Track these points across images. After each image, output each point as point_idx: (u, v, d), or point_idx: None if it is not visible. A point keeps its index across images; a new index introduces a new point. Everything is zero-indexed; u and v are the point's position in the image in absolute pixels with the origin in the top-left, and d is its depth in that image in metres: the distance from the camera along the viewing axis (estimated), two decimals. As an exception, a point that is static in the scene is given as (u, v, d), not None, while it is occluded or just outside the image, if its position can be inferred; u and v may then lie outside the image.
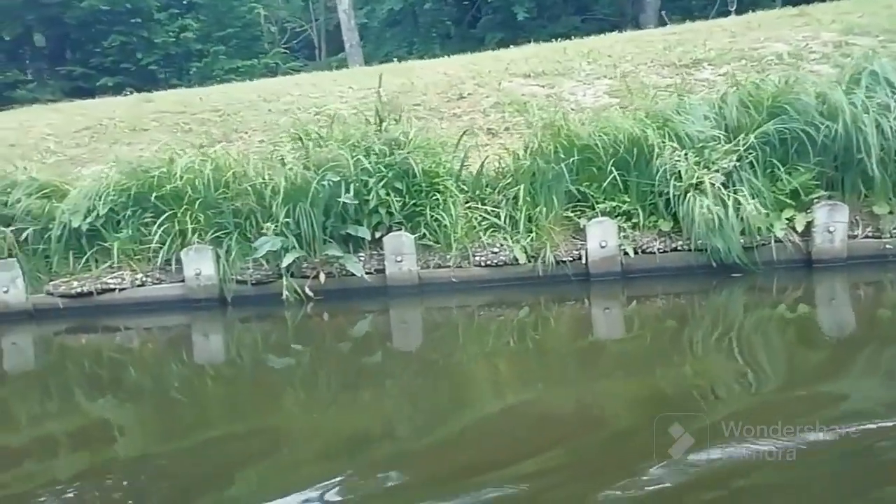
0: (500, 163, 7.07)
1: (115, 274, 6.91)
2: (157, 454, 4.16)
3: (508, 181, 6.87)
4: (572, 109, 9.10)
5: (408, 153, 6.50)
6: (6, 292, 6.88)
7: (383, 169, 6.40)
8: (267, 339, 6.53)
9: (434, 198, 6.57)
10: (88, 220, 6.81)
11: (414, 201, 6.59)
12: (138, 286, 6.88)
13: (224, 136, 9.70)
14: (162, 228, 6.78)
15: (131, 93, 18.80)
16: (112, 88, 20.34)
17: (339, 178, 6.31)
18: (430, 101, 10.14)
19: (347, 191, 6.31)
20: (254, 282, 6.77)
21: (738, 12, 13.98)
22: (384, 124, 6.91)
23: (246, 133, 9.82)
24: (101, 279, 6.89)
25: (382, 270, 6.69)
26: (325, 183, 6.32)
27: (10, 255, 6.92)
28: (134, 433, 4.55)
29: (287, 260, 6.40)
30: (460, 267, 6.60)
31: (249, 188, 6.52)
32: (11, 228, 6.74)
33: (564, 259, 6.45)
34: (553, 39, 19.29)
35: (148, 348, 6.59)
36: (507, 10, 22.31)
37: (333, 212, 6.50)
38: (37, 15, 21.98)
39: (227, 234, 6.77)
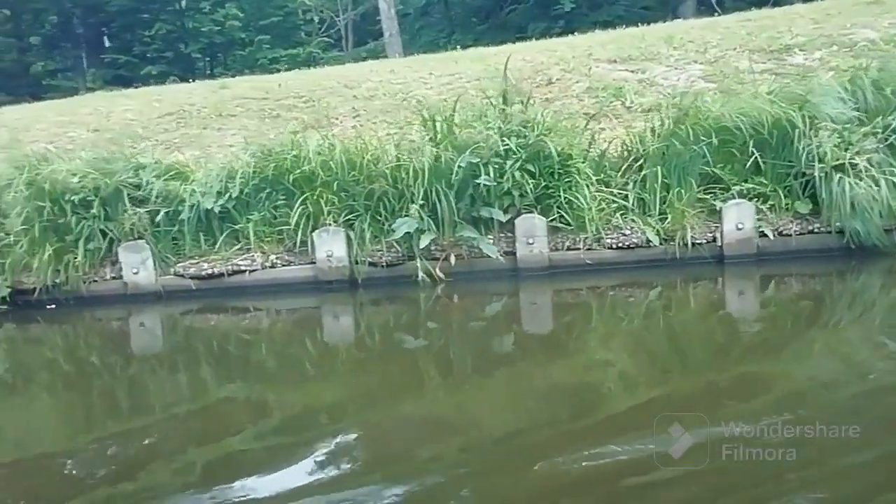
0: (624, 145, 7.10)
1: (245, 255, 6.98)
2: (283, 433, 4.15)
3: (633, 163, 6.90)
4: (668, 94, 9.15)
5: (541, 135, 6.54)
6: (136, 273, 6.96)
7: (519, 150, 6.44)
8: (399, 320, 6.60)
9: (567, 180, 6.60)
10: (220, 201, 6.87)
11: (546, 183, 6.63)
12: (268, 268, 6.94)
13: (316, 122, 9.74)
14: (295, 210, 6.83)
15: (176, 81, 18.89)
16: (156, 77, 20.45)
17: (477, 160, 6.35)
18: (520, 86, 10.14)
19: (486, 173, 6.35)
20: (384, 264, 6.83)
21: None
22: (515, 107, 6.94)
23: (337, 119, 9.86)
24: (231, 261, 6.96)
25: (512, 252, 6.74)
26: (462, 164, 6.36)
27: (139, 237, 6.99)
28: (264, 413, 4.49)
29: (424, 242, 6.46)
30: (591, 249, 6.65)
31: (387, 170, 6.56)
32: (147, 210, 6.79)
33: (699, 241, 6.50)
34: (596, 28, 19.32)
35: (277, 329, 6.67)
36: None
37: (467, 194, 6.54)
38: (76, 3, 22.04)
39: (357, 217, 6.82)
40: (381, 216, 6.79)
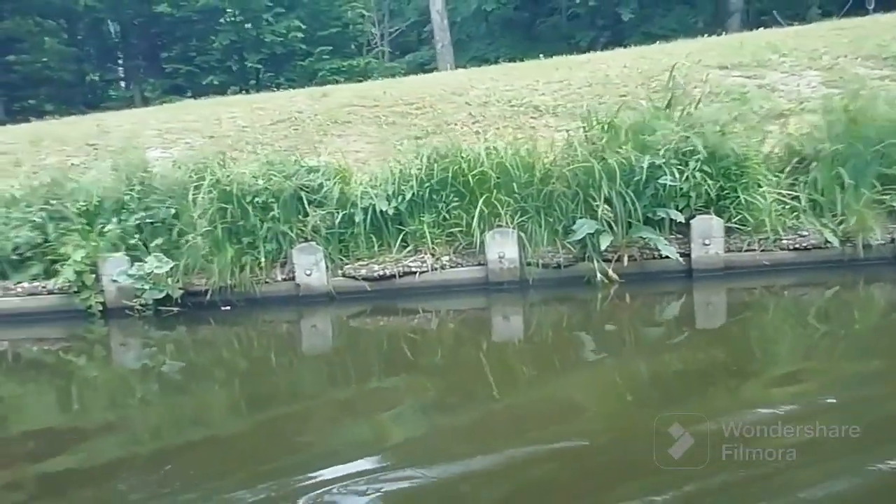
0: (788, 146, 7.17)
1: (415, 257, 7.05)
2: (452, 433, 4.21)
3: (798, 164, 6.96)
4: (793, 100, 9.25)
5: (724, 134, 6.62)
6: (309, 275, 7.04)
7: (703, 150, 6.51)
8: (574, 320, 6.66)
9: (744, 181, 6.67)
10: (394, 204, 6.96)
11: (720, 184, 6.69)
12: (438, 269, 7.01)
13: (436, 128, 9.86)
14: (467, 213, 6.91)
15: (239, 92, 19.08)
16: (216, 88, 20.66)
17: (662, 161, 6.42)
18: (636, 92, 10.24)
19: (671, 173, 6.41)
20: (555, 265, 6.89)
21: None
22: (683, 110, 7.02)
23: (455, 125, 9.97)
24: (401, 262, 7.03)
25: (686, 253, 6.80)
26: (644, 164, 6.43)
27: (308, 239, 7.07)
28: (438, 416, 4.52)
29: (604, 243, 6.52)
30: (766, 250, 6.70)
31: (567, 172, 6.64)
32: (324, 212, 6.88)
33: (878, 242, 6.54)
34: (649, 40, 19.48)
35: (449, 329, 6.73)
36: (611, 10, 22.43)
37: (647, 195, 6.61)
38: (134, 13, 22.29)
39: (529, 218, 6.89)
40: (552, 218, 6.86)
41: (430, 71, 24.21)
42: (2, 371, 6.50)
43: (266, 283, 7.10)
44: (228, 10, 20.48)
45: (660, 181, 6.46)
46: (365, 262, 7.10)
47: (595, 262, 6.66)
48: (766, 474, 3.23)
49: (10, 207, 7.49)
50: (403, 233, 7.10)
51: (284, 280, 7.14)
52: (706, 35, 16.43)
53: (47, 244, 7.34)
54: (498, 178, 6.91)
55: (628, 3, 21.93)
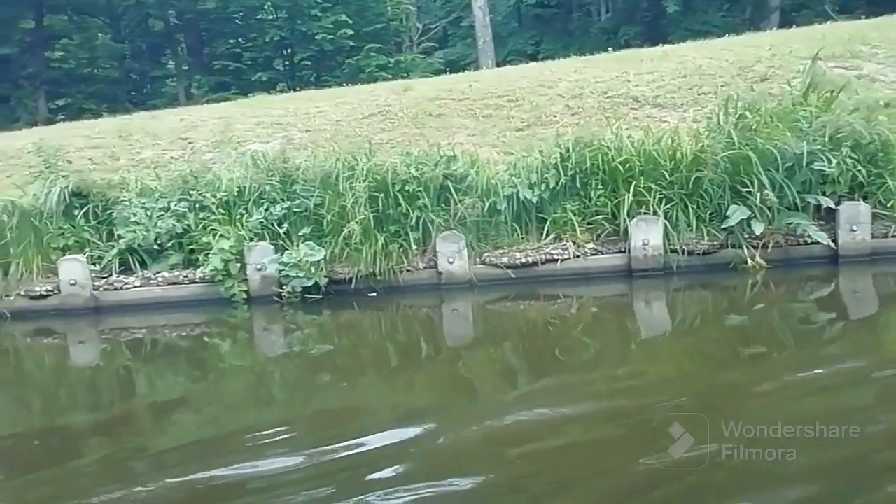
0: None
1: (556, 245, 7.12)
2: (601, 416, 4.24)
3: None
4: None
5: (867, 121, 6.67)
6: (451, 263, 7.10)
7: (866, 135, 6.56)
8: (722, 306, 6.72)
9: (890, 167, 6.72)
10: (537, 192, 7.02)
11: (867, 170, 6.74)
12: (578, 257, 7.08)
13: (536, 120, 9.93)
14: (611, 200, 6.98)
15: (288, 90, 19.15)
16: (264, 84, 20.75)
17: (818, 147, 6.48)
18: (735, 82, 10.27)
19: (826, 160, 6.47)
20: (699, 252, 6.95)
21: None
22: (823, 97, 7.08)
23: (554, 116, 10.02)
24: (543, 250, 7.10)
25: (833, 239, 6.85)
26: (798, 151, 6.49)
27: (449, 228, 7.14)
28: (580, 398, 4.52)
29: (758, 229, 6.58)
30: (912, 236, 6.76)
31: (720, 159, 6.69)
32: (472, 200, 6.94)
33: None
34: (693, 36, 19.52)
35: (595, 315, 6.81)
36: (658, 4, 22.47)
37: (797, 181, 6.66)
38: (179, 10, 22.37)
39: (674, 205, 6.95)
40: (698, 205, 6.92)
41: (464, 68, 24.33)
42: (164, 360, 6.56)
43: (408, 270, 7.17)
44: (276, 6, 20.55)
45: (813, 167, 6.51)
46: (506, 250, 7.17)
47: (744, 248, 6.72)
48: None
49: (146, 197, 7.56)
50: (544, 220, 7.16)
51: (426, 268, 7.21)
52: (750, 31, 16.55)
53: (186, 234, 7.43)
54: (642, 165, 6.97)
55: (674, -3, 21.95)
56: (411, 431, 4.07)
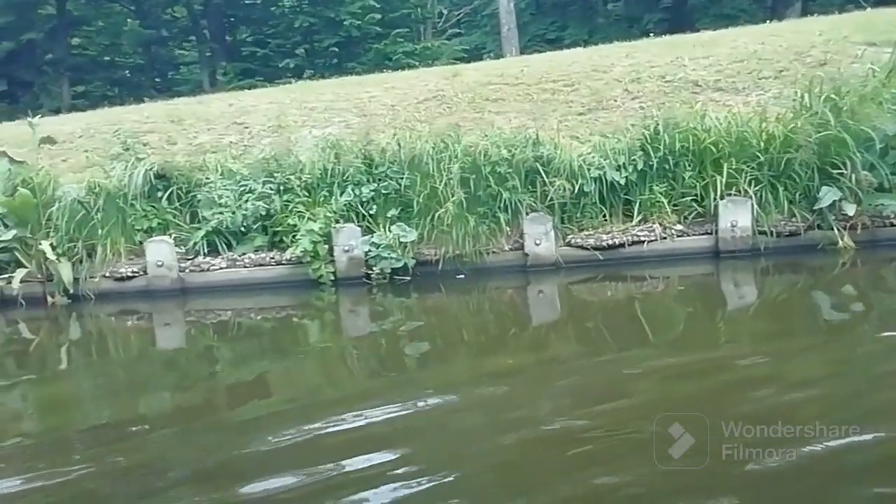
0: None
1: (643, 226, 7.15)
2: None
3: None
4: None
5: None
6: (538, 244, 7.13)
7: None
8: (814, 287, 6.77)
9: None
10: (624, 174, 7.05)
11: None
12: (665, 238, 7.11)
13: (597, 104, 9.91)
14: (699, 181, 7.01)
15: (314, 76, 19.05)
16: (292, 71, 20.65)
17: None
18: (793, 66, 10.28)
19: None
20: (786, 233, 6.99)
21: None
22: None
23: (614, 100, 10.02)
24: (630, 231, 7.13)
25: (918, 220, 6.90)
26: (891, 132, 6.52)
27: (535, 209, 7.17)
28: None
29: (850, 210, 6.62)
30: None
31: (811, 141, 6.72)
32: (561, 182, 6.96)
33: None
34: (720, 21, 19.49)
35: (681, 296, 6.85)
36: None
37: (887, 162, 6.70)
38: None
39: (761, 186, 6.98)
40: (786, 186, 6.95)
41: (483, 55, 24.27)
42: (253, 341, 6.58)
43: (493, 252, 7.20)
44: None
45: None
46: (591, 232, 7.20)
47: (835, 229, 6.76)
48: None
49: (228, 179, 7.57)
50: (629, 202, 7.19)
51: (511, 250, 7.24)
52: (773, 21, 16.47)
53: (269, 216, 7.44)
54: (731, 147, 6.99)
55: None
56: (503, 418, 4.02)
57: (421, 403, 4.23)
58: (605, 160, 7.07)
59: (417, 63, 21.26)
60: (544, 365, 4.99)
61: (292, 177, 7.42)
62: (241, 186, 7.36)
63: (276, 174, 7.51)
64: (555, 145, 7.37)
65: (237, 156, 8.91)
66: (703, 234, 7.14)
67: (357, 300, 7.14)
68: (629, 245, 7.12)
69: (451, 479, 3.29)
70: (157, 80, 24.06)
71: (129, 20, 21.51)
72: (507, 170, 6.95)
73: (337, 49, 21.32)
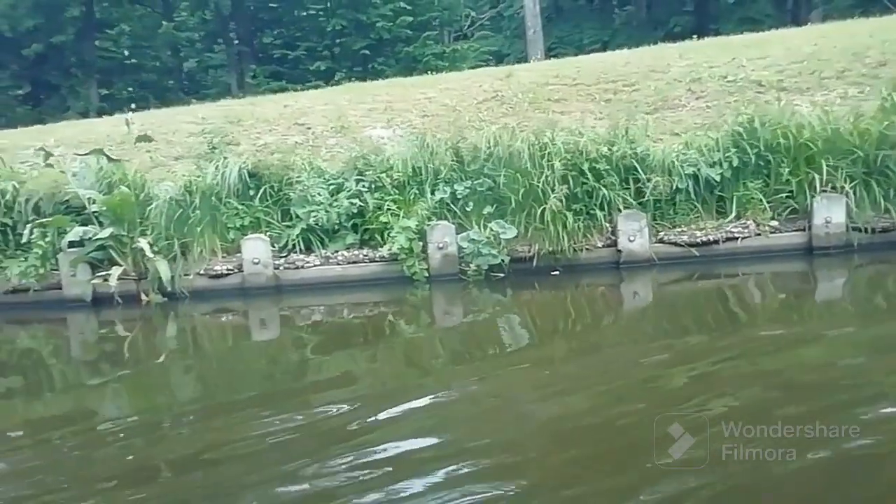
0: None
1: (737, 223, 7.20)
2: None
3: None
4: None
5: None
6: (632, 241, 7.17)
7: None
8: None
9: None
10: (718, 170, 7.09)
11: None
12: (759, 235, 7.16)
13: (662, 104, 9.96)
14: (794, 178, 7.06)
15: (346, 79, 19.06)
16: (322, 74, 20.70)
17: None
18: (855, 67, 10.34)
19: None
20: (881, 229, 7.04)
21: None
22: None
23: (679, 99, 10.07)
24: (723, 228, 7.18)
25: None
26: None
27: (628, 206, 7.21)
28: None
29: (948, 206, 6.67)
30: None
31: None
32: (657, 178, 7.01)
33: None
34: (745, 25, 19.58)
35: (777, 292, 6.92)
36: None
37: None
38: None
39: (857, 184, 7.03)
40: (878, 183, 7.00)
41: (505, 58, 24.35)
42: (353, 338, 6.58)
43: (587, 249, 7.24)
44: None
45: None
46: (684, 229, 7.25)
47: (932, 226, 6.81)
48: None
49: (319, 178, 7.60)
50: (721, 198, 7.24)
51: (604, 246, 7.28)
52: (791, 24, 16.55)
53: (361, 214, 7.47)
54: (826, 144, 7.04)
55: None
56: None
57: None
58: (700, 157, 7.11)
59: (446, 65, 21.33)
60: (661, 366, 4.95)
61: (383, 175, 7.46)
62: (330, 185, 7.40)
63: (366, 172, 7.54)
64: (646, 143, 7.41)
65: (305, 156, 8.89)
66: (795, 231, 7.19)
67: (452, 297, 7.16)
68: (723, 242, 7.16)
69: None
70: (185, 82, 24.09)
71: (164, 22, 21.49)
72: (606, 166, 7.00)
73: (368, 52, 21.34)
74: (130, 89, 23.92)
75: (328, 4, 20.80)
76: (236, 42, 23.25)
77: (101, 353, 6.75)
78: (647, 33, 23.13)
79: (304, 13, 21.50)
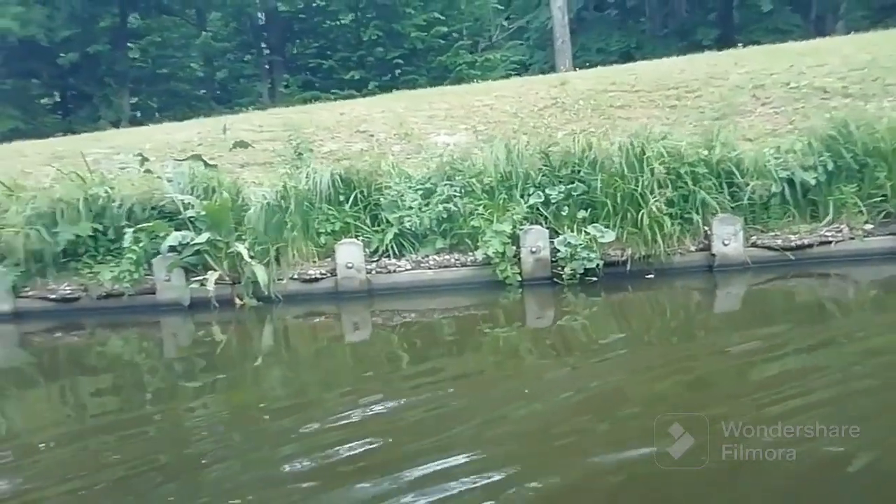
0: None
1: (831, 226, 7.21)
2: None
3: None
4: None
5: None
6: (726, 245, 7.18)
7: None
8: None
9: None
10: (814, 174, 7.11)
11: None
12: (853, 238, 7.17)
13: (730, 110, 10.00)
14: (890, 183, 7.08)
15: (381, 88, 19.12)
16: (356, 83, 20.80)
17: None
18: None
19: None
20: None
21: None
22: None
23: (744, 105, 10.11)
24: (817, 231, 7.19)
25: None
26: None
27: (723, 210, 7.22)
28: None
29: None
30: None
31: None
32: (758, 183, 7.03)
33: None
34: (770, 36, 19.63)
35: (873, 296, 6.89)
36: (754, 3, 22.70)
37: None
38: (270, 7, 22.37)
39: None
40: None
41: (528, 67, 24.43)
42: (454, 342, 6.56)
43: (679, 253, 7.25)
44: (370, 4, 20.55)
45: None
46: (778, 232, 7.26)
47: None
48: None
49: (408, 183, 7.63)
50: (813, 202, 7.25)
51: (697, 250, 7.29)
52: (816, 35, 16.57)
53: (450, 219, 7.49)
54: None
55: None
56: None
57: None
58: (795, 161, 7.14)
59: (478, 74, 21.43)
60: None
61: (473, 179, 7.49)
62: (418, 190, 7.43)
63: (456, 177, 7.57)
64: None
65: (371, 161, 8.87)
66: (889, 235, 7.19)
67: (546, 301, 7.16)
68: (817, 245, 7.17)
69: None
70: (217, 92, 24.20)
71: (203, 32, 21.64)
72: (704, 170, 7.02)
73: (402, 61, 21.43)
74: (162, 98, 24.09)
75: (360, 15, 20.93)
76: (267, 52, 23.37)
77: (214, 351, 6.68)
78: (673, 43, 23.27)
79: (336, 23, 21.63)
